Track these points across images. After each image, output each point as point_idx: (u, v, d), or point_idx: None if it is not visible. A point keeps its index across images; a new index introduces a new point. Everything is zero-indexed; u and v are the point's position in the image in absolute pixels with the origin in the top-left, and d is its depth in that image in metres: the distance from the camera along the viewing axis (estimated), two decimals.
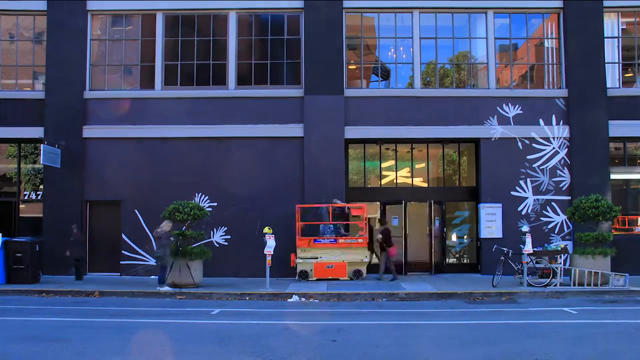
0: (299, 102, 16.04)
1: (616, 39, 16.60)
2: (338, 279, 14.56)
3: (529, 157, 15.93)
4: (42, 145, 14.91)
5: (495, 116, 16.01)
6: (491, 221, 15.77)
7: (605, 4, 16.18)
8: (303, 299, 12.21)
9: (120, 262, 15.92)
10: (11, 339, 7.91)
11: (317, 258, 14.70)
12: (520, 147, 15.93)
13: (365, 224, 15.10)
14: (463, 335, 8.12)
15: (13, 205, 16.67)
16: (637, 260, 15.34)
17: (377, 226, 15.59)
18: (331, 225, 15.10)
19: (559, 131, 15.95)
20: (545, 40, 16.76)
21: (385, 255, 15.00)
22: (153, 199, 15.72)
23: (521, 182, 15.88)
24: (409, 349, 7.20)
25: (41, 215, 16.02)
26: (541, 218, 15.81)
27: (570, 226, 15.62)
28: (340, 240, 14.84)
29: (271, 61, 16.57)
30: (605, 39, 16.19)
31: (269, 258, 13.49)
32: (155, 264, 15.66)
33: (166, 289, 12.92)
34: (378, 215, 16.39)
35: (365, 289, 12.95)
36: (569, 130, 15.92)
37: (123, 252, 15.92)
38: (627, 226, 16.25)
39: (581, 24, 16.08)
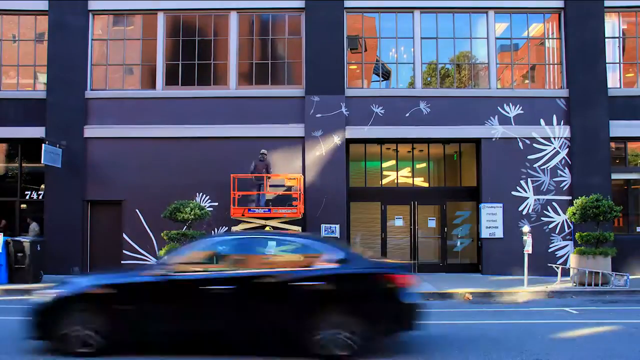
0: (300, 102, 16.05)
1: (617, 39, 16.61)
2: None
3: (529, 157, 15.94)
4: (43, 145, 14.92)
5: (496, 116, 16.02)
6: (492, 221, 15.78)
7: (606, 4, 16.18)
8: None
9: (122, 262, 15.94)
10: (12, 338, 7.91)
11: None
12: (521, 147, 15.94)
13: (300, 194, 15.07)
14: (464, 335, 8.13)
15: (14, 204, 16.69)
16: (638, 260, 15.36)
17: None
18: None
19: (560, 131, 15.96)
20: (546, 40, 16.76)
21: None
22: (154, 198, 15.75)
23: (522, 182, 15.88)
24: (409, 348, 7.21)
25: (42, 215, 16.05)
26: (542, 218, 15.81)
27: (571, 226, 15.63)
28: (274, 210, 14.87)
29: (272, 61, 16.59)
30: (606, 39, 16.19)
31: None
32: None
33: None
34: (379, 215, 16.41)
35: None
36: (570, 130, 15.92)
37: (124, 251, 15.94)
38: (628, 226, 16.24)
39: (582, 24, 16.09)
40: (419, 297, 7.09)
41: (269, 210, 14.93)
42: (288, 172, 15.76)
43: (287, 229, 15.17)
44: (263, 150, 15.30)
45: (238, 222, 15.38)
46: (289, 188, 15.41)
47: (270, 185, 15.57)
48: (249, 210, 15.00)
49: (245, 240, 7.86)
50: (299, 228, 15.24)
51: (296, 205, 14.98)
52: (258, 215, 14.97)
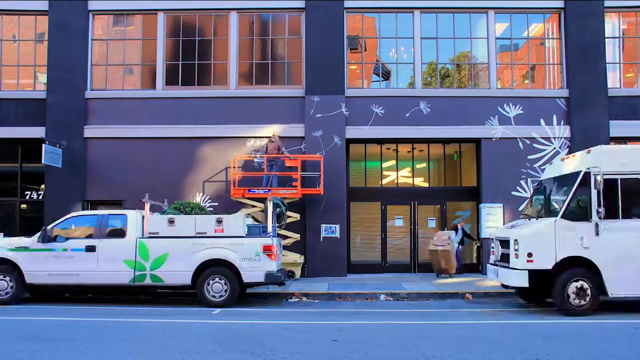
0: (300, 102, 16.06)
1: (617, 39, 16.62)
2: None
3: (529, 157, 15.94)
4: (43, 145, 14.92)
5: (496, 116, 16.03)
6: (492, 221, 15.77)
7: (606, 4, 16.19)
8: (304, 299, 12.23)
9: None
10: (12, 338, 7.93)
11: None
12: (521, 147, 15.95)
13: (300, 175, 15.07)
14: (464, 335, 8.13)
15: (14, 205, 16.69)
16: None
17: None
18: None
19: (560, 131, 15.97)
20: (546, 40, 16.76)
21: None
22: (154, 198, 15.72)
23: (522, 182, 15.89)
24: (410, 348, 7.21)
25: (42, 215, 16.04)
26: None
27: None
28: (274, 191, 14.92)
29: (272, 61, 16.60)
30: (606, 39, 16.19)
31: None
32: None
33: None
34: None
35: (367, 289, 12.96)
36: (570, 130, 15.93)
37: None
38: None
39: (582, 24, 16.09)
40: None
41: (269, 190, 14.93)
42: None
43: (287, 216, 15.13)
44: (276, 132, 15.45)
45: (239, 205, 15.35)
46: (290, 169, 15.43)
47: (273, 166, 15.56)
48: (249, 190, 15.02)
49: None
50: (297, 215, 15.22)
51: (296, 186, 14.98)
52: (258, 195, 15.00)
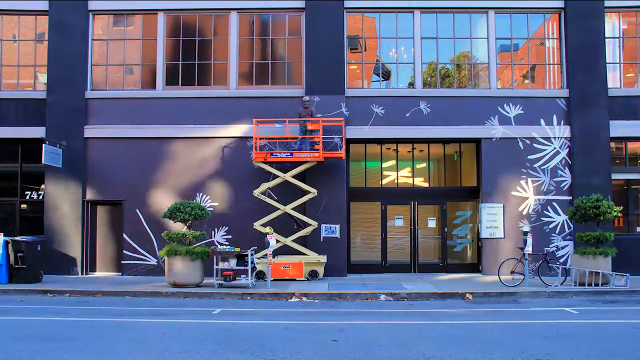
0: (300, 102, 16.06)
1: (617, 39, 16.62)
2: (295, 280, 14.39)
3: (529, 157, 15.95)
4: (43, 145, 14.92)
5: (496, 116, 16.03)
6: (492, 221, 15.78)
7: (606, 4, 16.19)
8: (304, 299, 12.24)
9: (122, 262, 15.96)
10: (13, 338, 7.94)
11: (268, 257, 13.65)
12: (521, 147, 15.95)
13: (321, 139, 15.04)
14: (464, 335, 8.13)
15: (14, 205, 16.69)
16: (638, 260, 15.36)
17: None
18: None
19: (560, 131, 15.97)
20: (546, 41, 16.76)
21: None
22: (154, 198, 15.81)
23: (522, 182, 15.89)
24: (410, 348, 7.22)
25: (42, 215, 16.05)
26: (542, 218, 15.82)
27: (572, 226, 15.64)
28: (297, 155, 14.85)
29: (272, 61, 16.61)
30: (606, 39, 16.20)
31: (270, 258, 13.55)
32: (156, 263, 15.75)
33: None
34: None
35: (367, 289, 12.97)
36: (570, 130, 15.93)
37: (125, 252, 15.94)
38: (628, 226, 16.24)
39: (582, 24, 16.09)
40: None
41: (292, 154, 14.88)
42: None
43: (299, 219, 15.11)
44: (306, 98, 15.46)
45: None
46: (311, 132, 15.32)
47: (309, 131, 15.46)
48: (271, 155, 14.97)
49: None
50: (315, 191, 15.24)
51: (318, 149, 14.97)
52: (280, 159, 14.97)
